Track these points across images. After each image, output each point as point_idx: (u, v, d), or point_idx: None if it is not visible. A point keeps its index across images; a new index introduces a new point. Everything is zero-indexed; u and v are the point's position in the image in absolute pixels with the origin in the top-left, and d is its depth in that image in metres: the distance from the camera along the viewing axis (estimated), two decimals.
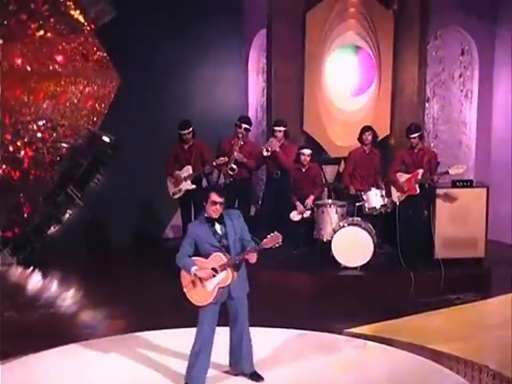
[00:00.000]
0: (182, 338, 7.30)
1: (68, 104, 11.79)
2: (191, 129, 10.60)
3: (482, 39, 12.47)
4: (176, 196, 10.82)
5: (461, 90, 12.72)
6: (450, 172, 10.10)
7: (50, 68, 11.60)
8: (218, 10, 12.23)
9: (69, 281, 10.63)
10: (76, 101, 11.80)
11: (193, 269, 6.54)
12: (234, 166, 10.63)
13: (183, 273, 6.71)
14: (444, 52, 12.58)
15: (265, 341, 7.59)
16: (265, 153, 10.60)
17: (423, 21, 11.46)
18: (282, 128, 10.67)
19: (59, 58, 11.61)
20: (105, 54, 11.65)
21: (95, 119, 11.85)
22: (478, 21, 12.25)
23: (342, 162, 11.38)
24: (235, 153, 10.61)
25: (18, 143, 11.67)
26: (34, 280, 10.81)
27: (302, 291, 9.82)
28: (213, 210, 6.51)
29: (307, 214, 10.60)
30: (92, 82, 11.79)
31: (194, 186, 10.69)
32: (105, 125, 11.70)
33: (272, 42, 11.73)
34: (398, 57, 11.56)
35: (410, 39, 11.50)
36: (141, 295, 9.64)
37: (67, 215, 11.74)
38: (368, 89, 11.79)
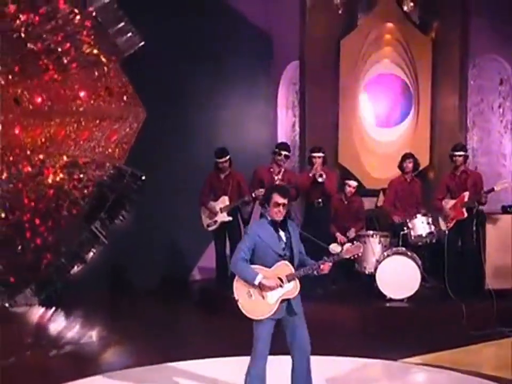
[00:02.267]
0: (219, 367, 7.19)
1: (91, 140, 11.34)
2: (228, 157, 10.28)
3: None
4: (210, 228, 10.43)
5: (501, 121, 12.26)
6: (496, 188, 9.67)
7: (73, 106, 11.19)
8: (248, 44, 12.07)
9: (91, 322, 10.20)
10: (99, 137, 11.34)
11: (259, 277, 5.96)
12: None
13: (237, 281, 6.09)
14: (482, 81, 12.17)
15: (329, 369, 7.31)
16: (320, 180, 9.98)
17: (462, 48, 11.26)
18: (320, 154, 10.17)
19: (82, 94, 11.18)
20: (130, 87, 11.21)
21: (120, 154, 11.39)
22: None
23: (381, 194, 11.07)
24: (277, 182, 10.07)
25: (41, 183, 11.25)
26: (57, 321, 10.40)
27: (346, 325, 9.36)
28: (276, 213, 5.98)
29: (347, 246, 10.02)
30: (116, 117, 11.36)
31: (230, 218, 10.27)
32: (131, 159, 11.27)
33: (305, 72, 11.58)
34: (437, 86, 11.40)
35: (450, 67, 11.31)
36: (167, 336, 9.11)
37: (91, 254, 11.18)
38: (406, 119, 11.61)
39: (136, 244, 11.33)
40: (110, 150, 11.37)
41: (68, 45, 10.88)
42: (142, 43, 10.88)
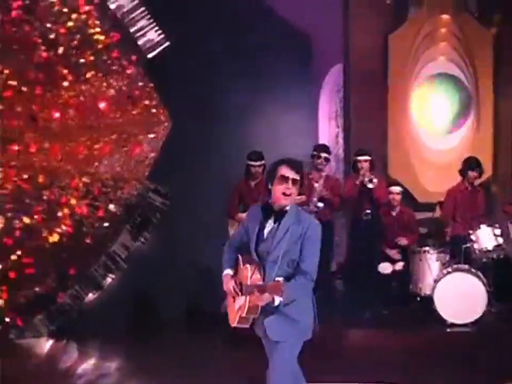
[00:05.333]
0: None
1: (112, 155, 10.60)
2: (263, 162, 9.55)
3: None
4: None
5: None
6: None
7: (93, 118, 10.42)
8: (285, 47, 11.22)
9: (107, 357, 9.36)
10: (121, 151, 10.58)
11: (226, 272, 5.01)
12: (320, 204, 9.36)
13: None
14: None
15: None
16: (370, 185, 9.31)
17: None
18: (367, 158, 9.46)
19: (102, 105, 10.41)
20: (156, 95, 10.46)
21: (143, 168, 10.61)
22: None
23: (437, 208, 10.26)
24: (318, 188, 9.41)
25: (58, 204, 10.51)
26: (68, 354, 9.59)
27: (400, 354, 8.37)
28: (281, 194, 4.72)
29: (399, 265, 9.55)
30: (140, 128, 10.60)
31: None
32: (154, 174, 10.53)
33: (349, 76, 11.10)
34: (500, 85, 10.82)
35: None
36: (191, 373, 8.23)
37: (108, 280, 10.44)
38: (464, 125, 11.00)
39: (159, 269, 10.44)
40: (132, 165, 10.59)
41: (86, 48, 10.19)
42: (167, 43, 10.19)
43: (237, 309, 4.76)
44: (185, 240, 10.49)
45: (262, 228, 4.74)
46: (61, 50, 10.03)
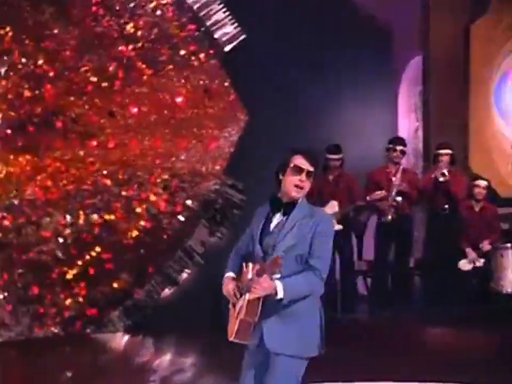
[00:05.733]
0: None
1: (188, 150, 10.59)
2: (341, 155, 9.40)
3: None
4: None
5: None
6: None
7: (170, 113, 10.43)
8: (364, 39, 11.02)
9: (183, 352, 9.37)
10: (198, 146, 10.59)
11: (226, 275, 4.41)
12: (399, 198, 9.11)
13: None
14: None
15: None
16: (441, 179, 9.12)
17: None
18: (447, 151, 9.26)
19: (179, 99, 10.38)
20: (232, 89, 10.42)
21: (219, 163, 10.60)
22: None
23: None
24: (396, 182, 9.14)
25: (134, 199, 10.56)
26: (142, 350, 9.73)
27: (481, 355, 8.02)
28: (294, 186, 4.26)
29: (480, 262, 9.20)
30: (216, 123, 10.57)
31: (340, 227, 8.97)
32: (230, 169, 10.52)
33: (429, 68, 10.94)
34: None
35: None
36: None
37: (184, 275, 10.43)
38: None
39: None
40: (209, 160, 10.59)
41: (163, 42, 10.22)
42: (244, 36, 10.13)
43: (236, 314, 4.21)
44: None
45: (268, 221, 4.29)
46: (139, 45, 10.03)
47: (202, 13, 10.13)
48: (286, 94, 10.55)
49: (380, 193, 9.02)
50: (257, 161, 10.29)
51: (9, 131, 9.60)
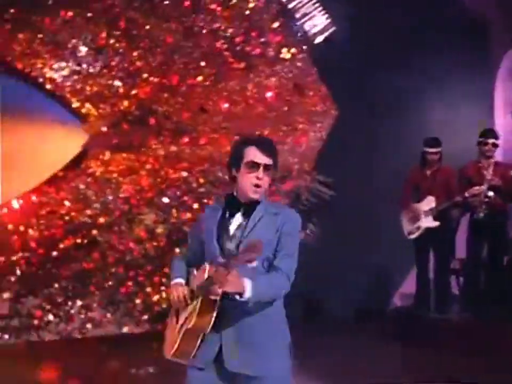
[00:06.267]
0: None
1: (278, 145, 10.29)
2: (439, 149, 9.09)
3: None
4: (412, 236, 9.10)
5: None
6: None
7: (259, 108, 10.34)
8: (459, 31, 10.61)
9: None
10: (288, 141, 10.44)
11: (172, 282, 3.87)
12: (491, 193, 8.76)
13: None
14: None
15: None
16: None
17: None
18: None
19: (269, 94, 10.27)
20: (322, 82, 10.31)
21: (309, 159, 10.50)
22: None
23: None
24: (488, 177, 8.79)
25: None
26: None
27: None
28: (251, 185, 3.72)
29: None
30: (306, 118, 10.44)
31: (437, 223, 8.85)
32: (321, 165, 10.39)
33: None
34: None
35: None
36: (357, 371, 7.82)
37: None
38: None
39: (325, 264, 10.08)
40: (298, 156, 10.48)
41: (253, 35, 10.11)
42: (333, 28, 10.01)
43: (180, 325, 3.65)
44: (352, 234, 10.11)
45: (225, 223, 3.76)
46: (228, 39, 10.00)
47: (291, 5, 10.00)
48: (379, 87, 10.31)
49: (478, 189, 8.71)
50: (347, 156, 10.21)
51: (105, 128, 9.63)
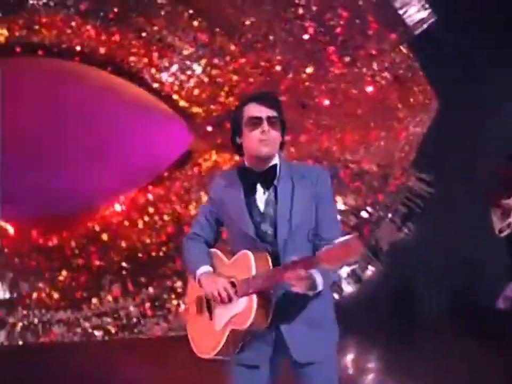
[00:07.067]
0: None
1: (377, 141, 10.48)
2: None
3: None
4: (503, 233, 9.07)
5: None
6: None
7: (361, 102, 10.29)
8: None
9: (365, 353, 9.33)
10: (387, 137, 10.42)
11: (199, 271, 3.43)
12: None
13: (191, 279, 3.60)
14: None
15: None
16: None
17: None
18: None
19: (369, 89, 10.15)
20: (422, 75, 10.10)
21: (407, 155, 10.39)
22: None
23: None
24: None
25: None
26: None
27: None
28: (258, 141, 3.31)
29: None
30: (406, 112, 10.29)
31: None
32: (419, 161, 10.26)
33: None
34: None
35: None
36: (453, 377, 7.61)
37: (368, 273, 10.31)
38: None
39: (421, 262, 10.07)
40: (397, 152, 10.41)
41: (356, 30, 9.95)
42: (434, 19, 9.70)
43: (226, 322, 3.30)
44: (450, 231, 9.99)
45: (250, 201, 3.34)
46: (328, 32, 9.86)
47: None
48: (481, 80, 10.07)
49: None
50: (447, 151, 10.08)
51: (209, 128, 9.68)
